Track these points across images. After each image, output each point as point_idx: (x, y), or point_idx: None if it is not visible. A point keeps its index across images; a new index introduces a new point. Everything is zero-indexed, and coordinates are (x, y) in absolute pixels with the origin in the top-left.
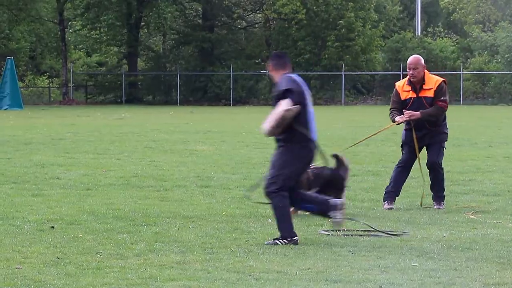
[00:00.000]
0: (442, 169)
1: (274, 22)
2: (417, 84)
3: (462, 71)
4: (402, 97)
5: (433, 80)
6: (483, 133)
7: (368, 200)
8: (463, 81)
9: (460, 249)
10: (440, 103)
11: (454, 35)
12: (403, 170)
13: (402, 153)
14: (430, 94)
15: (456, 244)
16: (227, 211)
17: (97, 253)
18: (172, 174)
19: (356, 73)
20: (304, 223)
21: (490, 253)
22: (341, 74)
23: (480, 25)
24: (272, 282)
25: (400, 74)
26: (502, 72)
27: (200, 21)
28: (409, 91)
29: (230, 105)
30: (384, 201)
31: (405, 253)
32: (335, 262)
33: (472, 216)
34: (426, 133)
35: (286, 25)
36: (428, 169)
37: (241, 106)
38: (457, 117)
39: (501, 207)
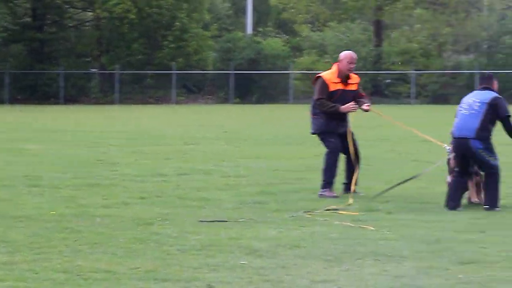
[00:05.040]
0: None
1: (105, 21)
2: (346, 78)
3: (293, 70)
4: (331, 89)
5: (354, 76)
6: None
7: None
8: (292, 80)
9: (288, 247)
10: (364, 94)
11: (284, 35)
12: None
13: (330, 141)
14: (354, 88)
15: (285, 242)
16: (56, 210)
17: None
18: None
19: (188, 72)
20: (135, 223)
21: (317, 251)
22: (173, 73)
23: (310, 25)
24: (101, 282)
25: (231, 73)
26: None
27: (29, 19)
28: (337, 83)
29: (61, 104)
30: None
31: (234, 252)
32: (164, 261)
33: (308, 216)
34: (343, 123)
35: (117, 24)
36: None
37: (72, 105)
38: (288, 116)
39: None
